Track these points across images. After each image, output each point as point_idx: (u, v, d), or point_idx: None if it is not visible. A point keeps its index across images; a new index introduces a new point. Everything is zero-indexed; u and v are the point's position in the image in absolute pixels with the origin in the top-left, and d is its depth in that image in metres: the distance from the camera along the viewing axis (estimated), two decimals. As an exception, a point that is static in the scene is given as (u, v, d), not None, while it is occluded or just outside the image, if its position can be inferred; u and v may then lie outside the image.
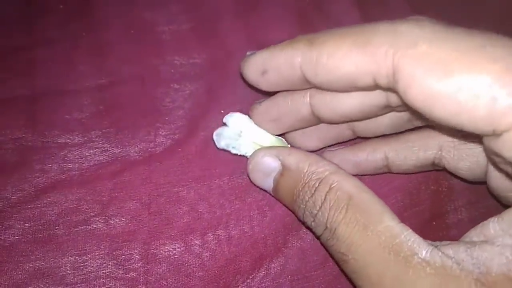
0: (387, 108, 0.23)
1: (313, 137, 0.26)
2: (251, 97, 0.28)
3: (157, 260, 0.25)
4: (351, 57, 0.19)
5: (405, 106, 0.20)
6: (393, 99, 0.21)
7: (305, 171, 0.22)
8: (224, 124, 0.27)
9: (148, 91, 0.29)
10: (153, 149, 0.28)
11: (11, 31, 0.30)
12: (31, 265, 0.24)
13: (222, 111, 0.29)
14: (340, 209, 0.20)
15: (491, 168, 0.23)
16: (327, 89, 0.22)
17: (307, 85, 0.22)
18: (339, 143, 0.27)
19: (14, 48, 0.30)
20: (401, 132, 0.26)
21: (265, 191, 0.26)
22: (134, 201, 0.26)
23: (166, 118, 0.28)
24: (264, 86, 0.24)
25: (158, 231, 0.26)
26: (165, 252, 0.25)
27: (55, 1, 0.31)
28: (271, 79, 0.23)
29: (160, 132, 0.28)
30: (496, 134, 0.17)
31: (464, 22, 0.35)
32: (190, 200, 0.26)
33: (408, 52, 0.17)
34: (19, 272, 0.24)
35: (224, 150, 0.26)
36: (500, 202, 0.25)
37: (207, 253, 0.25)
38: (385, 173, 0.27)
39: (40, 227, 0.25)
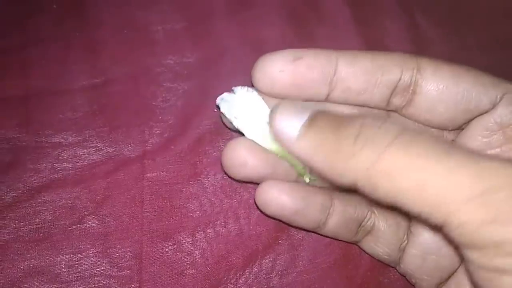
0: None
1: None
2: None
3: (150, 258, 0.25)
4: (384, 55, 0.22)
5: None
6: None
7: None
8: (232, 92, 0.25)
9: (141, 90, 0.30)
10: (147, 147, 0.28)
11: (4, 30, 0.30)
12: (26, 264, 0.24)
13: (215, 110, 0.29)
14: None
15: (409, 247, 0.24)
16: (349, 88, 0.23)
17: (327, 89, 0.23)
18: None
19: (7, 47, 0.30)
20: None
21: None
22: (127, 200, 0.26)
23: (159, 117, 0.29)
24: (288, 77, 0.23)
25: (151, 229, 0.26)
26: (158, 250, 0.26)
27: (48, 1, 0.31)
28: (301, 68, 0.22)
29: (153, 131, 0.28)
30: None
31: (452, 21, 0.36)
32: (183, 198, 0.27)
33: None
34: (14, 271, 0.24)
35: (225, 118, 0.25)
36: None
37: (198, 251, 0.26)
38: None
39: (34, 226, 0.25)
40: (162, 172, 0.27)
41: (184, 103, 0.29)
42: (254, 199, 0.24)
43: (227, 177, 0.28)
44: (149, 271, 0.25)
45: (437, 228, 0.18)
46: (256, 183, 0.25)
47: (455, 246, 0.18)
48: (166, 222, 0.26)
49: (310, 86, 0.23)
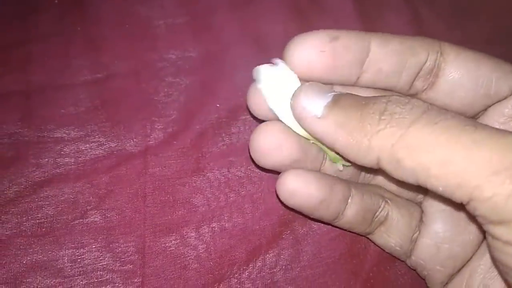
0: None
1: None
2: (247, 90, 0.28)
3: (153, 253, 0.25)
4: (413, 39, 0.22)
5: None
6: None
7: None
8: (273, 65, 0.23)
9: (144, 85, 0.29)
10: (149, 142, 0.28)
11: (5, 26, 0.30)
12: (28, 258, 0.24)
13: (218, 105, 0.29)
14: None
15: (422, 237, 0.24)
16: (380, 70, 0.22)
17: (359, 70, 0.23)
18: None
19: (9, 43, 0.30)
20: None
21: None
22: (130, 194, 0.26)
23: (162, 112, 0.29)
24: (326, 57, 0.22)
25: (154, 223, 0.26)
26: (161, 244, 0.25)
27: (50, -4, 0.31)
28: (339, 48, 0.22)
29: (156, 126, 0.28)
30: None
31: (456, 15, 0.35)
32: (186, 192, 0.27)
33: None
34: (17, 265, 0.24)
35: (258, 92, 0.23)
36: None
37: (202, 245, 0.26)
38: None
39: (37, 221, 0.25)
40: (165, 167, 0.27)
41: (187, 97, 0.29)
42: (276, 189, 0.23)
43: (229, 171, 0.28)
44: (152, 266, 0.25)
45: (461, 206, 0.17)
46: (276, 173, 0.24)
47: (479, 223, 0.18)
48: (169, 217, 0.26)
49: (345, 67, 0.22)
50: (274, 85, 0.22)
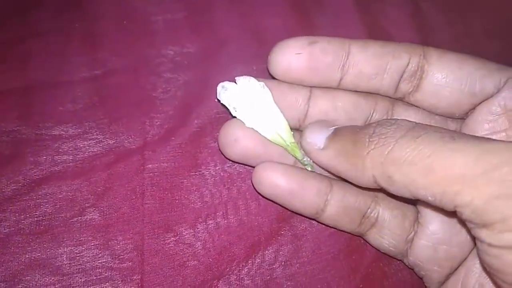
0: None
1: None
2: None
3: (152, 250, 0.25)
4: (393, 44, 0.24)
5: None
6: None
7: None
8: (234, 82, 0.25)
9: (142, 81, 0.29)
10: (147, 138, 0.28)
11: (3, 23, 0.30)
12: (27, 256, 0.24)
13: (216, 100, 0.29)
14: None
15: (419, 238, 0.24)
16: (362, 73, 0.24)
17: (340, 74, 0.24)
18: None
19: (7, 40, 0.30)
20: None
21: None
22: (128, 192, 0.26)
23: (160, 108, 0.28)
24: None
25: (152, 221, 0.26)
26: (159, 241, 0.25)
27: (47, -7, 0.31)
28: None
29: (154, 122, 0.28)
30: None
31: (457, 8, 0.35)
32: (184, 189, 0.27)
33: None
34: (16, 263, 0.24)
35: (223, 105, 0.26)
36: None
37: (200, 242, 0.25)
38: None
39: (35, 218, 0.25)
40: (163, 163, 0.27)
41: (185, 93, 0.29)
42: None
43: (227, 168, 0.27)
44: (150, 263, 0.25)
45: (452, 214, 0.18)
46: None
47: (468, 228, 0.19)
48: (167, 214, 0.26)
49: (324, 69, 0.24)
50: (236, 97, 0.25)
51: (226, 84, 0.25)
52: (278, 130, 0.25)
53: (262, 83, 0.25)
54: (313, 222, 0.27)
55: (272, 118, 0.25)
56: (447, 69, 0.23)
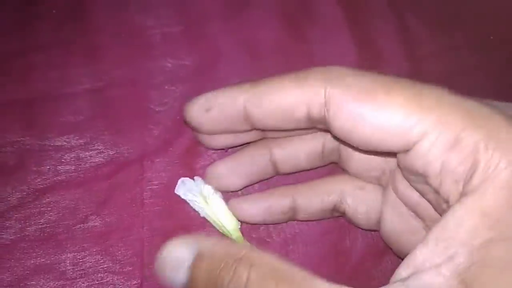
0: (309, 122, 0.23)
1: (237, 174, 0.27)
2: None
3: (152, 255, 0.26)
4: (291, 91, 0.22)
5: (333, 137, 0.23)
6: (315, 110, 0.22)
7: (222, 252, 0.19)
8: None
9: (141, 93, 0.30)
10: (146, 149, 0.29)
11: (4, 37, 0.31)
12: (32, 262, 0.26)
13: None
14: (269, 285, 0.18)
15: (386, 212, 0.25)
16: (266, 126, 0.24)
17: (248, 125, 0.24)
18: (261, 180, 0.28)
19: (9, 53, 0.30)
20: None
21: None
22: (128, 200, 0.27)
23: (157, 120, 0.30)
24: (207, 124, 0.25)
25: (152, 228, 0.27)
26: (159, 247, 0.26)
27: (48, 6, 0.32)
28: (214, 117, 0.24)
29: (152, 133, 0.29)
30: (408, 149, 0.19)
31: (441, 22, 0.37)
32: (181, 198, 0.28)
33: (338, 84, 0.20)
34: (21, 269, 0.25)
35: (182, 198, 0.27)
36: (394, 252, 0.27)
37: (197, 249, 0.27)
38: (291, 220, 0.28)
39: (40, 226, 0.26)
40: (161, 173, 0.28)
41: (182, 105, 0.30)
42: None
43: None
44: (150, 268, 0.26)
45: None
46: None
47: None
48: (166, 221, 0.27)
49: (230, 122, 0.24)
50: (192, 193, 0.27)
51: (186, 180, 0.27)
52: (225, 226, 0.27)
53: (211, 189, 0.27)
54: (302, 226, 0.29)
55: (220, 216, 0.27)
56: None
